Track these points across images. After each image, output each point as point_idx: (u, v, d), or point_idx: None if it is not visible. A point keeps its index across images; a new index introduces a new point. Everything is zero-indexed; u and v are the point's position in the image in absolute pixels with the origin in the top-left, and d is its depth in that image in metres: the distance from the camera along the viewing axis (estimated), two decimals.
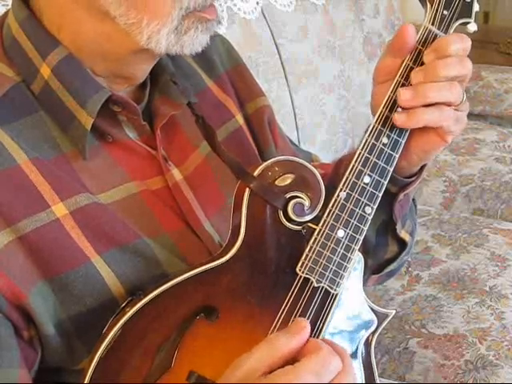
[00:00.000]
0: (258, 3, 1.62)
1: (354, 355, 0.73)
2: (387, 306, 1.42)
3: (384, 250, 0.87)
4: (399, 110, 0.72)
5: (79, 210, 0.68)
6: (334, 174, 0.84)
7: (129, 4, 0.66)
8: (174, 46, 0.69)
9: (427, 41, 0.74)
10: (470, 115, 2.13)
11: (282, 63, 1.67)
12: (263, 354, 0.60)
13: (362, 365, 0.74)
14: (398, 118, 0.71)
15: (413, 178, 0.80)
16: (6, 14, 0.75)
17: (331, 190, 0.71)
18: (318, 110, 1.77)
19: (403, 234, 0.85)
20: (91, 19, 0.68)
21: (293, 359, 0.61)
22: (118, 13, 0.67)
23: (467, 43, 0.72)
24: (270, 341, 0.61)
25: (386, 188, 0.73)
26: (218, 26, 0.72)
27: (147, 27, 0.67)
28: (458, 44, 0.71)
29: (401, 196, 0.80)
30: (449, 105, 0.71)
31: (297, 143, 1.67)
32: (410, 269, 1.51)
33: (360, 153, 0.72)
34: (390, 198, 0.79)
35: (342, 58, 1.85)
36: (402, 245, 0.87)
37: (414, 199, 0.89)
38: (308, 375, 0.58)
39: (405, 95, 0.71)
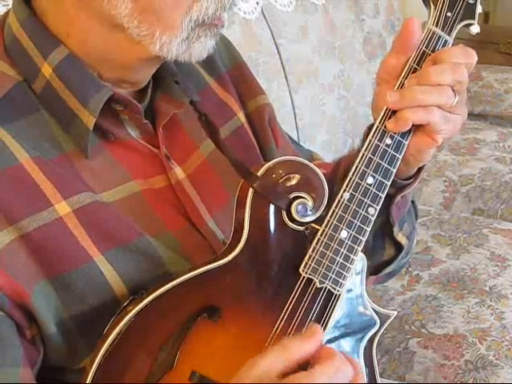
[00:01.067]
0: (258, 3, 1.62)
1: (356, 356, 0.73)
2: (387, 306, 1.42)
3: (381, 253, 0.87)
4: None
5: (82, 208, 0.68)
6: (332, 176, 0.84)
7: (141, 18, 0.67)
8: (183, 53, 0.70)
9: (431, 42, 0.74)
10: (470, 115, 2.15)
11: (282, 63, 1.67)
12: (277, 357, 0.61)
13: (363, 365, 0.74)
14: (388, 125, 0.72)
15: (410, 180, 0.80)
16: (7, 13, 0.75)
17: (332, 191, 0.71)
18: (318, 110, 1.77)
19: (400, 238, 0.85)
20: (101, 28, 0.69)
21: (305, 364, 0.61)
22: (131, 25, 0.68)
23: (472, 59, 0.73)
24: (284, 344, 0.62)
25: None
26: (222, 29, 0.73)
27: (160, 39, 0.68)
28: (460, 58, 0.72)
29: (398, 198, 0.80)
30: (438, 107, 0.71)
31: None
32: (409, 269, 1.51)
33: (363, 153, 0.72)
34: (387, 200, 0.79)
35: (342, 58, 1.85)
36: (399, 248, 0.87)
37: (413, 202, 0.89)
38: (321, 380, 0.59)
39: (391, 97, 0.71)
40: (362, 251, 0.72)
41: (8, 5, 1.12)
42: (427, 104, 0.70)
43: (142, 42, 0.68)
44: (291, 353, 0.61)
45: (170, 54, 0.69)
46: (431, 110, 0.71)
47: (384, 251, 0.87)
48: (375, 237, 0.83)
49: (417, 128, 0.73)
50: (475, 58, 0.73)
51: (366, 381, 0.64)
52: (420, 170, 0.80)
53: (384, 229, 0.83)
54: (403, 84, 0.73)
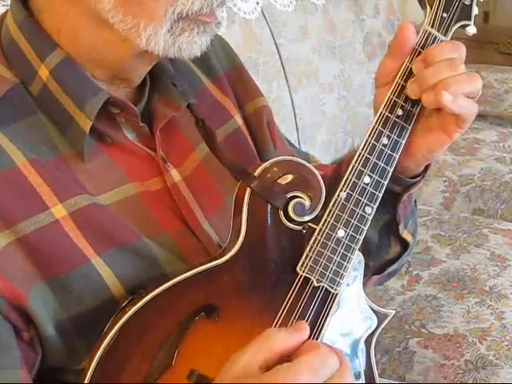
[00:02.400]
0: (257, 3, 1.62)
1: (353, 355, 0.73)
2: (387, 305, 1.42)
3: (386, 251, 0.87)
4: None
5: (78, 211, 0.68)
6: (336, 175, 0.84)
7: (125, 10, 0.67)
8: (170, 47, 0.69)
9: (427, 43, 0.75)
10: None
11: (282, 63, 1.67)
12: (260, 349, 0.60)
13: (361, 365, 0.74)
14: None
15: (417, 179, 0.80)
16: (5, 14, 0.75)
17: (332, 191, 0.71)
18: (318, 110, 1.77)
19: (405, 235, 0.85)
20: (90, 25, 0.69)
21: (289, 357, 0.61)
22: (115, 20, 0.67)
23: (461, 52, 0.73)
24: (267, 335, 0.61)
25: (389, 188, 0.74)
26: (218, 27, 0.72)
27: (144, 30, 0.68)
28: (449, 54, 0.72)
29: (405, 197, 0.81)
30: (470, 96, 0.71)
31: (297, 143, 1.68)
32: (409, 269, 1.51)
33: (360, 153, 0.72)
34: (393, 199, 0.80)
35: (342, 58, 1.85)
36: (404, 245, 0.87)
37: (415, 201, 0.89)
38: (305, 372, 0.58)
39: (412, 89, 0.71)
40: (360, 250, 0.72)
41: (7, 5, 1.12)
42: (463, 92, 0.70)
43: (129, 37, 0.68)
44: (274, 344, 0.60)
45: (157, 47, 0.68)
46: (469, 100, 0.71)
47: (389, 249, 0.87)
48: (381, 235, 0.84)
49: (431, 127, 0.74)
50: (464, 50, 0.73)
51: (352, 371, 0.63)
52: (427, 168, 0.80)
53: (390, 227, 0.84)
54: (400, 84, 0.73)
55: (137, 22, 0.67)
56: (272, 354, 0.60)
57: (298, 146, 1.61)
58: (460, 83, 0.70)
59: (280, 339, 0.61)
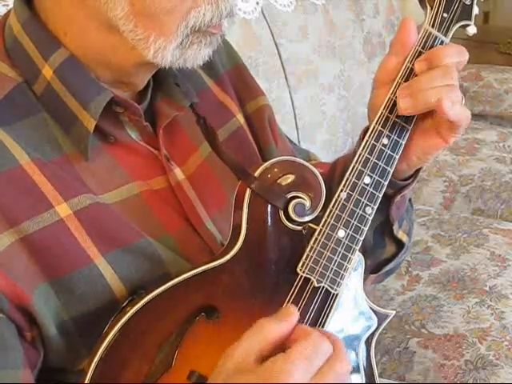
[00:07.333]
0: (257, 3, 1.62)
1: (354, 355, 0.73)
2: (387, 305, 1.42)
3: (382, 251, 0.87)
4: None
5: (82, 210, 0.68)
6: (330, 175, 0.84)
7: (137, 21, 0.67)
8: (177, 60, 0.70)
9: (427, 43, 0.75)
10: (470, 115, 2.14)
11: (282, 63, 1.67)
12: (253, 341, 0.60)
13: (362, 365, 0.74)
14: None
15: (409, 181, 0.80)
16: (8, 14, 0.75)
17: (329, 191, 0.71)
18: (318, 110, 1.77)
19: (400, 235, 0.86)
20: (99, 30, 0.69)
21: (282, 344, 0.61)
22: (126, 28, 0.67)
23: (464, 57, 0.73)
24: (258, 327, 0.61)
25: None
26: (222, 38, 0.72)
27: (154, 43, 0.68)
28: (453, 57, 0.72)
29: (397, 198, 0.81)
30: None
31: (297, 143, 1.67)
32: (409, 269, 1.51)
33: (360, 153, 0.72)
34: (386, 200, 0.80)
35: (342, 58, 1.86)
36: (400, 245, 0.87)
37: (410, 199, 0.89)
38: (299, 360, 0.58)
39: (404, 104, 0.71)
40: (359, 250, 0.72)
41: (8, 5, 1.12)
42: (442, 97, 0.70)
43: (137, 47, 0.68)
44: (266, 335, 0.60)
45: (165, 60, 0.69)
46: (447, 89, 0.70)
47: (384, 249, 0.87)
48: (375, 235, 0.84)
49: (426, 131, 0.74)
50: (467, 56, 0.73)
51: (347, 355, 0.62)
52: (418, 170, 0.80)
53: (384, 227, 0.84)
54: (400, 83, 0.73)
55: (147, 35, 0.68)
56: (265, 344, 0.60)
57: None
58: (455, 91, 0.70)
59: (272, 329, 0.61)
